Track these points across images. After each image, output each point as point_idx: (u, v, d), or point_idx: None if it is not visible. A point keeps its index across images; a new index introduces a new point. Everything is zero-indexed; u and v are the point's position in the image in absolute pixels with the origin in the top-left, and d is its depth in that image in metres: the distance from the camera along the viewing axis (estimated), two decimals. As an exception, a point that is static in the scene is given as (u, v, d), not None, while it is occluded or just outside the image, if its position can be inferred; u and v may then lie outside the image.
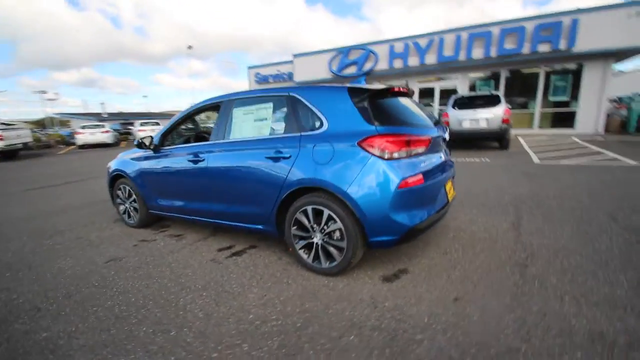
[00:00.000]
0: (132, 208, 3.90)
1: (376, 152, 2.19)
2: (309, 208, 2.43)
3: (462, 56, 13.23)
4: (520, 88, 13.71)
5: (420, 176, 2.27)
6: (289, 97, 2.62)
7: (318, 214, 2.41)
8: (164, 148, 3.49)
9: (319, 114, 2.44)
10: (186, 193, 3.24)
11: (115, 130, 21.25)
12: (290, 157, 2.46)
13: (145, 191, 3.62)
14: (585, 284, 2.23)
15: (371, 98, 2.37)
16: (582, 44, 11.28)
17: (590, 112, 12.43)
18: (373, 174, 2.18)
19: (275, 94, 2.73)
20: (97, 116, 32.40)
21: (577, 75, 12.49)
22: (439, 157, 2.62)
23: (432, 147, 2.51)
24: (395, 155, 2.20)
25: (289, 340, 1.81)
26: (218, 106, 3.13)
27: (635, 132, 11.81)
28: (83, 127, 18.29)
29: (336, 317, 2.00)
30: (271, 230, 2.74)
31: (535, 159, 7.62)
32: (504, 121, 8.79)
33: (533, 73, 13.27)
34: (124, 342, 1.87)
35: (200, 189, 3.07)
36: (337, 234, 2.37)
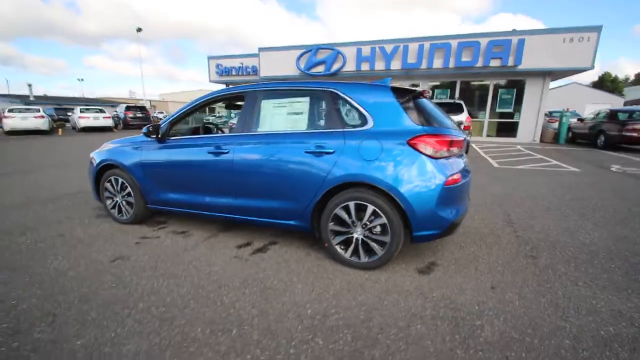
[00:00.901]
0: (124, 202, 3.54)
1: (425, 150, 2.30)
2: (352, 203, 2.46)
3: (424, 64, 14.10)
4: (472, 98, 15.04)
5: (459, 175, 2.44)
6: (329, 93, 2.62)
7: (360, 209, 2.45)
8: (172, 138, 3.24)
9: (363, 111, 2.48)
10: (202, 187, 3.04)
11: (49, 115, 18.78)
12: (334, 152, 2.46)
13: (147, 184, 3.31)
14: (588, 271, 2.58)
15: (413, 99, 2.49)
16: (527, 62, 12.75)
17: (530, 124, 14.10)
18: (422, 172, 2.28)
19: (313, 87, 2.70)
20: (24, 99, 28.27)
21: (520, 90, 14.07)
22: (464, 159, 2.83)
23: (461, 149, 2.70)
24: (441, 154, 2.33)
25: (360, 332, 1.83)
26: (241, 97, 2.99)
27: (565, 143, 13.69)
28: (11, 111, 15.84)
29: (393, 308, 2.06)
30: (304, 225, 2.71)
31: (494, 163, 8.44)
32: (465, 128, 9.60)
33: (484, 85, 14.65)
34: (184, 345, 1.73)
35: (221, 183, 2.91)
36: (378, 228, 2.44)
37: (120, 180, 3.48)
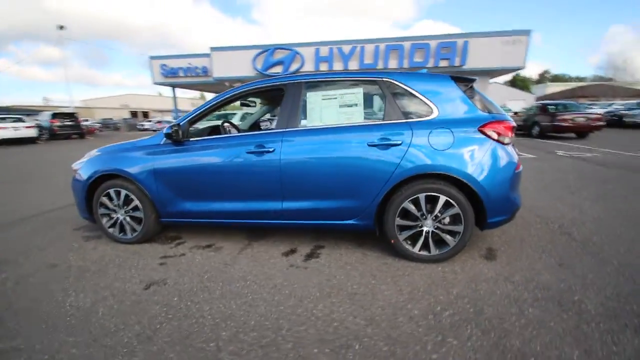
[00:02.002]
0: (128, 219, 3.00)
1: (496, 137, 2.30)
2: (422, 195, 2.37)
3: (380, 65, 14.65)
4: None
5: (519, 160, 2.50)
6: (384, 82, 2.49)
7: (430, 200, 2.38)
8: (192, 140, 2.81)
9: (426, 100, 2.41)
10: (239, 192, 2.69)
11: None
12: (401, 143, 2.35)
13: (163, 194, 2.83)
14: (622, 236, 2.84)
15: (471, 87, 2.49)
16: (471, 63, 13.97)
17: (475, 118, 15.45)
18: (496, 158, 2.29)
19: (365, 77, 2.55)
20: None
21: (465, 87, 15.36)
22: None
23: None
24: (508, 140, 2.36)
25: (484, 326, 1.75)
26: (280, 89, 2.72)
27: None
28: None
29: (494, 297, 2.02)
30: (365, 224, 2.55)
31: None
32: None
33: (434, 84, 15.69)
34: (312, 371, 1.48)
35: (266, 186, 2.61)
36: (448, 219, 2.39)
37: (123, 192, 2.93)
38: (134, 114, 51.83)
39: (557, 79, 69.69)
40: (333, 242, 2.95)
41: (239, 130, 3.76)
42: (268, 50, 15.26)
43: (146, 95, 66.96)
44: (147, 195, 2.89)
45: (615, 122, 17.19)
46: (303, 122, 2.61)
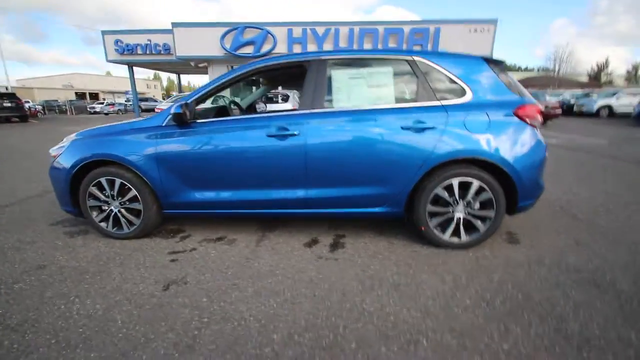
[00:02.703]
0: (124, 211, 2.65)
1: (528, 120, 2.29)
2: (455, 181, 2.32)
3: (355, 49, 14.45)
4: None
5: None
6: (415, 62, 2.36)
7: (463, 186, 2.34)
8: (200, 121, 2.50)
9: (459, 82, 2.33)
10: (257, 179, 2.45)
11: None
12: (435, 127, 2.25)
13: (168, 183, 2.51)
14: (616, 223, 3.03)
15: (502, 69, 2.44)
16: (442, 49, 14.25)
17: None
18: (529, 141, 2.28)
19: (394, 56, 2.40)
20: None
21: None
22: None
23: None
24: (539, 123, 2.36)
25: (539, 311, 1.75)
26: (301, 66, 2.48)
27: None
28: None
29: (534, 281, 2.04)
30: (394, 211, 2.45)
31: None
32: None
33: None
34: (390, 372, 1.38)
35: (288, 172, 2.40)
36: (477, 204, 2.37)
37: (118, 181, 2.56)
38: (80, 95, 47.07)
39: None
40: (353, 231, 2.83)
41: (243, 112, 3.45)
42: (237, 28, 14.37)
43: (93, 74, 61.11)
44: (147, 184, 2.55)
45: (565, 110, 18.67)
46: (331, 103, 2.42)
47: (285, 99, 9.81)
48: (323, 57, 2.43)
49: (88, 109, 30.47)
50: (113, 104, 30.81)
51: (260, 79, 4.05)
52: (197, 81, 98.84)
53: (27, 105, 20.78)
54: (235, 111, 3.47)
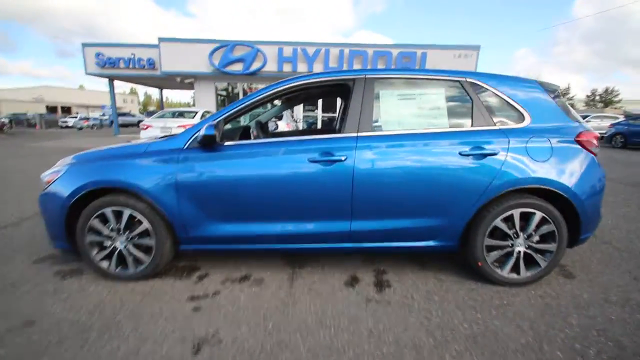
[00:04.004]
0: (132, 247, 2.25)
1: (589, 147, 2.15)
2: (517, 212, 2.12)
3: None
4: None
5: None
6: (469, 84, 2.19)
7: (524, 217, 2.14)
8: (229, 144, 2.19)
9: (516, 105, 2.17)
10: (295, 210, 2.15)
11: None
12: (496, 153, 2.06)
13: (188, 214, 2.15)
14: (657, 249, 2.93)
15: (558, 94, 2.32)
16: (429, 72, 14.65)
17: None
18: (591, 170, 2.13)
19: (446, 77, 2.22)
20: None
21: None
22: None
23: None
24: (597, 150, 2.22)
25: (646, 368, 1.52)
26: (345, 85, 2.25)
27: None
28: None
29: (616, 325, 1.83)
30: (448, 245, 2.21)
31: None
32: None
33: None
34: None
35: (332, 202, 2.11)
36: (536, 237, 2.18)
37: (127, 212, 2.18)
38: (51, 108, 44.86)
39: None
40: (392, 264, 2.55)
41: (266, 134, 3.14)
42: (227, 45, 14.17)
43: (65, 88, 58.78)
44: (163, 216, 2.18)
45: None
46: (380, 126, 2.19)
47: (280, 117, 9.58)
48: (370, 76, 2.21)
49: (60, 123, 28.92)
50: (87, 119, 29.41)
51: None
52: (177, 97, 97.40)
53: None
54: (253, 133, 3.16)
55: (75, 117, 29.87)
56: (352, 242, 2.21)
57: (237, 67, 14.39)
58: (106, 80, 17.68)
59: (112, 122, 19.39)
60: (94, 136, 17.96)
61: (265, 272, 2.42)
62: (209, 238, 2.23)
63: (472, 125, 2.15)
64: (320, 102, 14.86)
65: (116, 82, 18.68)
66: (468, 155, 2.06)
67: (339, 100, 15.37)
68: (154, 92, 23.83)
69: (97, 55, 15.35)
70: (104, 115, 33.95)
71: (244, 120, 5.52)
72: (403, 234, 2.19)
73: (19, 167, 6.96)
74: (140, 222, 2.20)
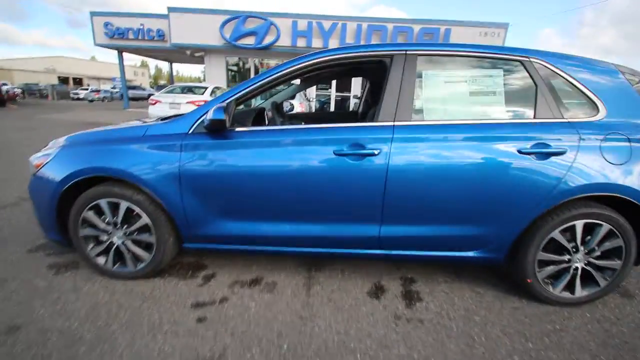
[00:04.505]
0: (130, 243, 2.00)
1: (677, 149, 1.76)
2: (580, 223, 1.77)
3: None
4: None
5: None
6: (531, 65, 1.80)
7: (586, 229, 1.80)
8: (239, 130, 1.87)
9: (590, 94, 1.77)
10: (317, 209, 1.85)
11: None
12: (564, 152, 1.69)
13: (193, 209, 1.88)
14: None
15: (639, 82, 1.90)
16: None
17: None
18: None
19: (504, 54, 1.82)
20: None
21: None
22: None
23: None
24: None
25: None
26: (380, 61, 1.87)
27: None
28: None
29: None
30: (492, 257, 1.89)
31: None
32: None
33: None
34: None
35: (360, 202, 1.80)
36: (599, 252, 1.84)
37: (124, 205, 1.91)
38: (63, 80, 44.78)
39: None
40: (421, 272, 2.26)
41: (283, 118, 2.80)
42: (239, 17, 13.49)
43: (77, 59, 58.36)
44: (165, 211, 1.91)
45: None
46: (422, 114, 1.82)
47: (292, 96, 9.12)
48: (412, 51, 1.83)
49: (71, 95, 28.80)
50: (98, 91, 29.19)
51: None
52: (187, 71, 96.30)
53: (4, 87, 19.30)
54: (269, 116, 2.81)
55: (87, 89, 29.70)
56: (381, 249, 1.91)
57: (249, 41, 13.76)
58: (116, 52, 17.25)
59: (122, 96, 19.11)
60: (104, 109, 17.81)
61: (279, 275, 2.16)
62: (215, 237, 1.96)
63: (535, 117, 1.77)
64: (334, 81, 14.22)
65: (127, 55, 18.32)
66: (529, 153, 1.70)
67: (354, 80, 14.75)
68: (164, 66, 23.31)
69: (106, 25, 14.87)
70: (114, 87, 33.70)
71: (255, 102, 5.19)
72: (441, 243, 1.88)
73: (25, 141, 6.79)
74: (139, 216, 1.94)
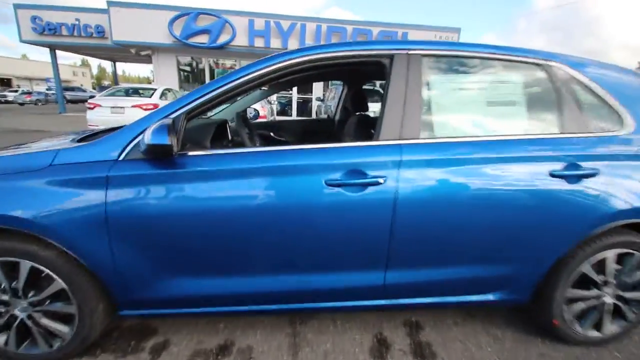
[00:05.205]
0: (40, 317, 1.40)
1: None
2: (611, 254, 1.52)
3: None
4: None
5: None
6: (551, 70, 1.51)
7: (617, 260, 1.56)
8: (192, 154, 1.36)
9: (617, 105, 1.52)
10: (304, 257, 1.41)
11: None
12: (596, 173, 1.42)
13: (129, 266, 1.34)
14: None
15: None
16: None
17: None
18: None
19: (522, 57, 1.51)
20: None
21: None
22: None
23: None
24: None
25: None
26: (378, 62, 1.47)
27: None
28: None
29: None
30: (516, 299, 1.59)
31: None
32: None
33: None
34: None
35: (360, 244, 1.40)
36: (630, 284, 1.61)
37: (27, 265, 1.32)
38: (-15, 80, 39.35)
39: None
40: (426, 312, 1.90)
41: (251, 134, 2.27)
42: (190, 14, 12.48)
43: (5, 57, 51.70)
44: (87, 270, 1.35)
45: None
46: (431, 129, 1.45)
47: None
48: (415, 51, 1.45)
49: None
50: (30, 93, 25.95)
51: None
52: (135, 71, 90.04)
53: None
54: (232, 130, 2.29)
55: (16, 92, 26.23)
56: (386, 298, 1.52)
57: (202, 39, 12.84)
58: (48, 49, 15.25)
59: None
60: (36, 113, 15.68)
61: (254, 336, 1.68)
62: (165, 300, 1.44)
63: (561, 131, 1.48)
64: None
65: (65, 53, 16.32)
66: (561, 176, 1.40)
67: (315, 85, 14.38)
68: (108, 65, 21.01)
69: (34, 19, 13.08)
70: (49, 89, 30.18)
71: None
72: (458, 287, 1.54)
73: None
74: (51, 279, 1.35)
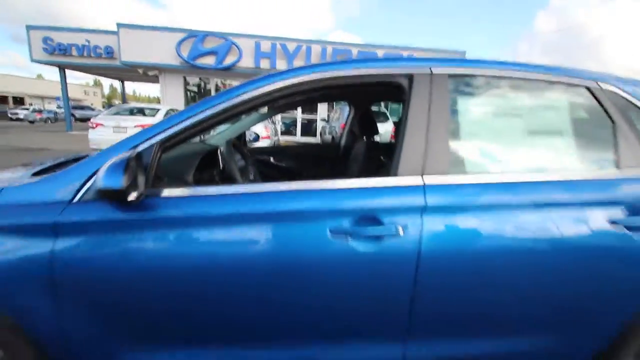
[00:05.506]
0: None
1: None
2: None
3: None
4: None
5: None
6: (602, 93, 1.25)
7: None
8: (169, 195, 1.10)
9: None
10: (298, 322, 1.12)
11: None
12: (665, 221, 1.13)
13: (81, 335, 1.06)
14: None
15: None
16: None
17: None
18: None
19: (562, 77, 1.26)
20: None
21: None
22: None
23: None
24: None
25: None
26: (390, 83, 1.23)
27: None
28: None
29: None
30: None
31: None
32: (392, 137, 9.50)
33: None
34: None
35: (370, 308, 1.11)
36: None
37: (-53, 333, 1.04)
38: (1, 98, 40.49)
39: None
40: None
41: (246, 166, 2.00)
42: (197, 36, 12.70)
43: (17, 76, 53.35)
44: (28, 340, 1.06)
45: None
46: (455, 164, 1.18)
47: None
48: (439, 70, 1.20)
49: (9, 115, 25.85)
50: (40, 111, 26.48)
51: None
52: (145, 90, 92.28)
53: None
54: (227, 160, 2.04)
55: (27, 109, 26.77)
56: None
57: (209, 61, 12.97)
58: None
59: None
60: (44, 131, 15.85)
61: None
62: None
63: (618, 167, 1.20)
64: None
65: (77, 73, 16.62)
66: (624, 226, 1.11)
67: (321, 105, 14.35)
68: (119, 85, 21.40)
69: (45, 40, 13.38)
70: (59, 107, 30.79)
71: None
72: (492, 360, 1.22)
73: None
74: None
